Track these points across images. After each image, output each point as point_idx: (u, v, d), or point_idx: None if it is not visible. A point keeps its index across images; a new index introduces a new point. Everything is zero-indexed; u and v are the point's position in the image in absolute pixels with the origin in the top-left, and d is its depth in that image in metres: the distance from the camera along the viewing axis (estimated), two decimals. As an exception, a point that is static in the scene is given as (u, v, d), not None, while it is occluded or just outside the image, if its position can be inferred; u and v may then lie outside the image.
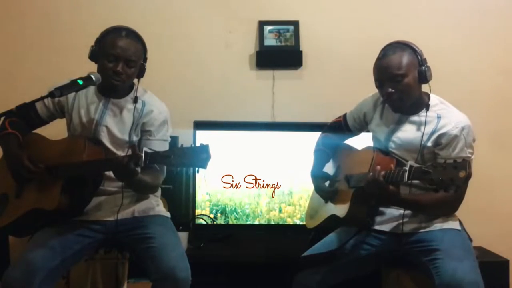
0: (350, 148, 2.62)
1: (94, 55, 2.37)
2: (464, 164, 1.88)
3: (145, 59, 2.42)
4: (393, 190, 2.13)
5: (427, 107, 2.30)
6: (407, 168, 2.03)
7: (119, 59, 2.31)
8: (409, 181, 2.08)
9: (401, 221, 2.33)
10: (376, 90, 2.45)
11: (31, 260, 2.19)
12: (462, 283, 2.07)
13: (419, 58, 2.28)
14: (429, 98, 2.33)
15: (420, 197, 2.27)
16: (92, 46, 2.38)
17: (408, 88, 2.27)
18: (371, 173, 2.15)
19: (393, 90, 2.27)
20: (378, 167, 2.13)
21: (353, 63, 3.28)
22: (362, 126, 2.57)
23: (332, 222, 2.45)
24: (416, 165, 2.02)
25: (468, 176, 1.88)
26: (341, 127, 2.63)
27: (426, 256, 2.23)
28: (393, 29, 3.22)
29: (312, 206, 2.68)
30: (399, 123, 2.38)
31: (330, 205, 2.50)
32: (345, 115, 2.63)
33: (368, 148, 2.47)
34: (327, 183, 2.54)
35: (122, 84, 2.35)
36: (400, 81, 2.25)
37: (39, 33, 3.30)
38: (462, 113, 2.33)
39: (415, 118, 2.34)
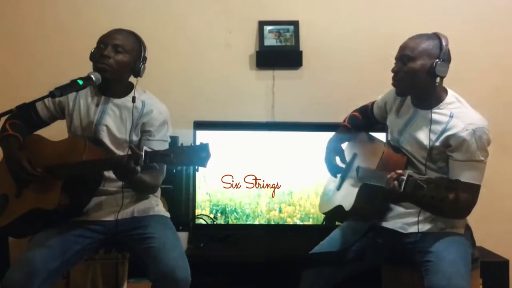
0: (368, 138, 2.58)
1: (91, 54, 2.38)
2: (455, 187, 1.89)
3: (144, 59, 2.41)
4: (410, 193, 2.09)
5: (438, 103, 2.27)
6: (404, 177, 2.02)
7: (107, 44, 2.32)
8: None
9: (406, 220, 2.33)
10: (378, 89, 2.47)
11: (31, 262, 2.19)
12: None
13: (440, 52, 2.23)
14: (446, 95, 2.30)
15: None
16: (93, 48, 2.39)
17: (411, 72, 2.24)
18: (386, 180, 2.10)
19: (398, 69, 2.27)
20: (391, 175, 2.10)
21: (353, 63, 3.29)
22: (384, 115, 2.54)
23: (339, 213, 2.46)
24: (415, 175, 2.01)
25: (456, 199, 1.90)
26: (367, 113, 2.60)
27: (421, 257, 2.24)
28: (393, 29, 3.19)
29: (326, 190, 2.67)
30: (412, 118, 2.35)
31: (341, 194, 2.49)
32: (373, 102, 2.60)
33: (381, 142, 2.48)
34: (337, 158, 2.51)
35: (110, 70, 2.31)
36: (406, 63, 2.25)
37: (38, 33, 3.30)
38: (477, 113, 2.27)
39: (428, 115, 2.29)
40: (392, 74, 2.32)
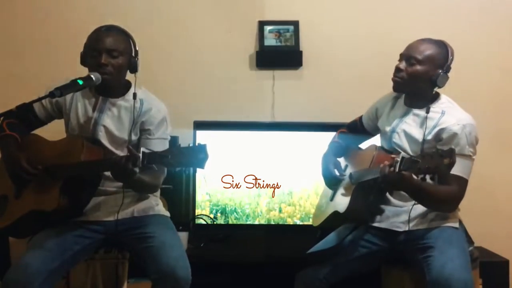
0: (358, 149, 2.63)
1: (83, 59, 2.38)
2: (449, 152, 1.91)
3: (136, 53, 2.39)
4: (408, 175, 2.08)
5: (431, 103, 2.30)
6: (399, 159, 2.04)
7: (100, 51, 2.30)
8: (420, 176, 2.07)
9: (400, 219, 2.34)
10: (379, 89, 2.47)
11: (31, 263, 2.18)
12: (450, 280, 2.08)
13: (445, 63, 2.30)
14: (438, 97, 2.35)
15: (430, 187, 2.21)
16: (82, 52, 2.38)
17: (414, 75, 2.29)
18: (380, 168, 2.13)
19: (402, 68, 2.30)
20: (384, 163, 2.12)
21: (353, 63, 3.29)
22: (375, 124, 2.57)
23: (335, 219, 2.47)
24: (407, 156, 2.05)
25: (452, 163, 1.90)
26: (357, 127, 2.64)
27: (421, 254, 2.24)
28: (393, 29, 3.22)
29: (319, 206, 2.70)
30: (404, 116, 2.39)
31: (334, 203, 2.51)
32: (361, 116, 2.64)
33: (371, 146, 2.49)
34: (336, 171, 2.53)
35: (111, 77, 2.32)
36: (413, 65, 2.29)
37: (38, 32, 3.30)
38: (467, 113, 2.32)
39: (420, 112, 2.34)
40: (393, 69, 2.35)
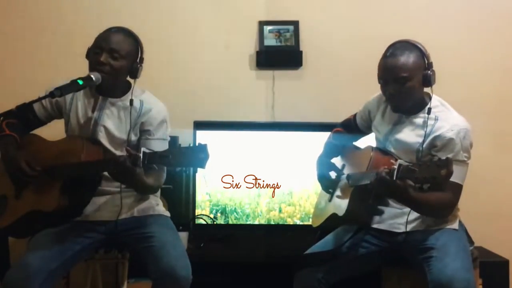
0: (355, 148, 2.62)
1: (88, 53, 2.37)
2: (446, 163, 1.89)
3: (141, 59, 2.40)
4: (402, 185, 2.07)
5: (428, 110, 2.28)
6: (396, 167, 2.03)
7: (103, 49, 2.30)
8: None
9: (399, 220, 2.33)
10: (378, 89, 2.46)
11: (31, 263, 2.19)
12: (452, 279, 2.08)
13: (426, 61, 2.27)
14: (430, 100, 2.31)
15: (425, 196, 2.19)
16: (89, 46, 2.38)
17: (411, 91, 2.26)
18: (375, 173, 2.13)
19: (395, 92, 2.26)
20: (381, 169, 2.12)
21: (353, 63, 3.29)
22: (369, 124, 2.57)
23: (333, 221, 2.47)
24: (404, 163, 2.03)
25: (449, 174, 1.89)
26: (351, 125, 2.63)
27: (421, 254, 2.24)
28: (393, 29, 3.20)
29: (318, 205, 2.70)
30: (397, 124, 2.38)
31: (333, 204, 2.51)
32: (355, 114, 2.63)
33: (368, 147, 2.48)
34: (332, 173, 2.53)
35: (107, 77, 2.30)
36: (404, 84, 2.24)
37: (38, 32, 3.30)
38: (461, 116, 2.31)
39: (414, 119, 2.33)
40: None
